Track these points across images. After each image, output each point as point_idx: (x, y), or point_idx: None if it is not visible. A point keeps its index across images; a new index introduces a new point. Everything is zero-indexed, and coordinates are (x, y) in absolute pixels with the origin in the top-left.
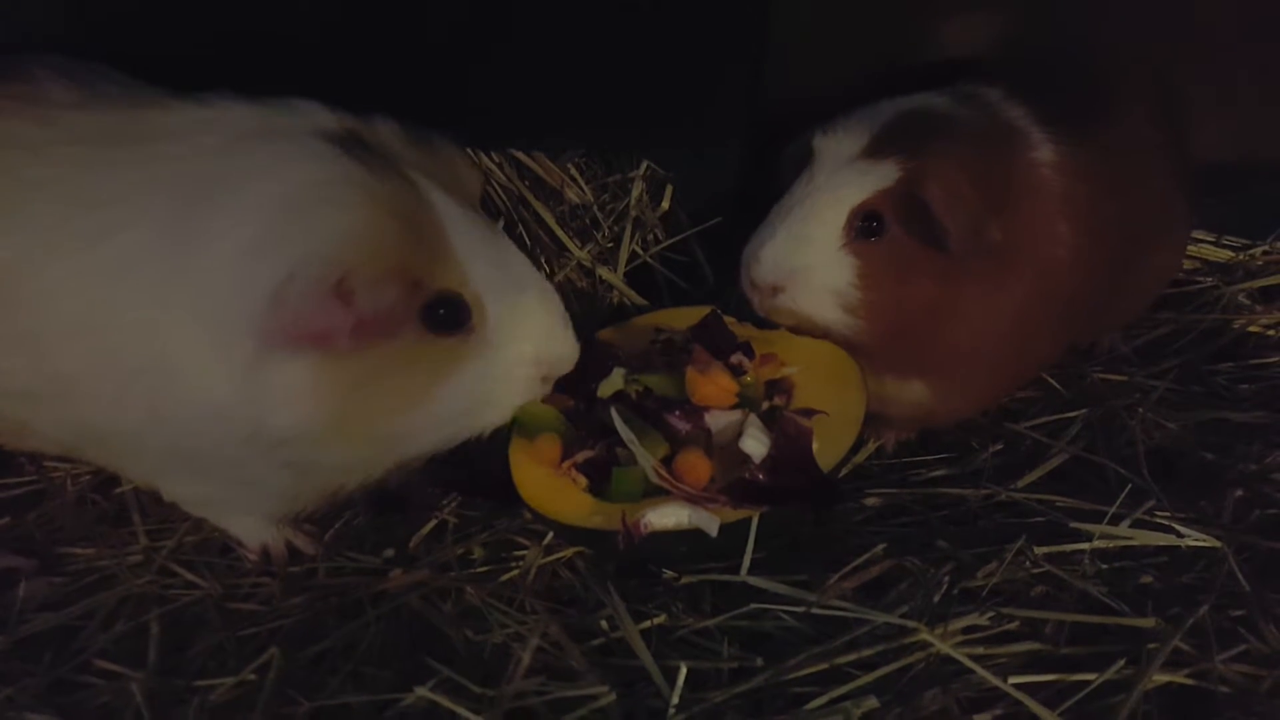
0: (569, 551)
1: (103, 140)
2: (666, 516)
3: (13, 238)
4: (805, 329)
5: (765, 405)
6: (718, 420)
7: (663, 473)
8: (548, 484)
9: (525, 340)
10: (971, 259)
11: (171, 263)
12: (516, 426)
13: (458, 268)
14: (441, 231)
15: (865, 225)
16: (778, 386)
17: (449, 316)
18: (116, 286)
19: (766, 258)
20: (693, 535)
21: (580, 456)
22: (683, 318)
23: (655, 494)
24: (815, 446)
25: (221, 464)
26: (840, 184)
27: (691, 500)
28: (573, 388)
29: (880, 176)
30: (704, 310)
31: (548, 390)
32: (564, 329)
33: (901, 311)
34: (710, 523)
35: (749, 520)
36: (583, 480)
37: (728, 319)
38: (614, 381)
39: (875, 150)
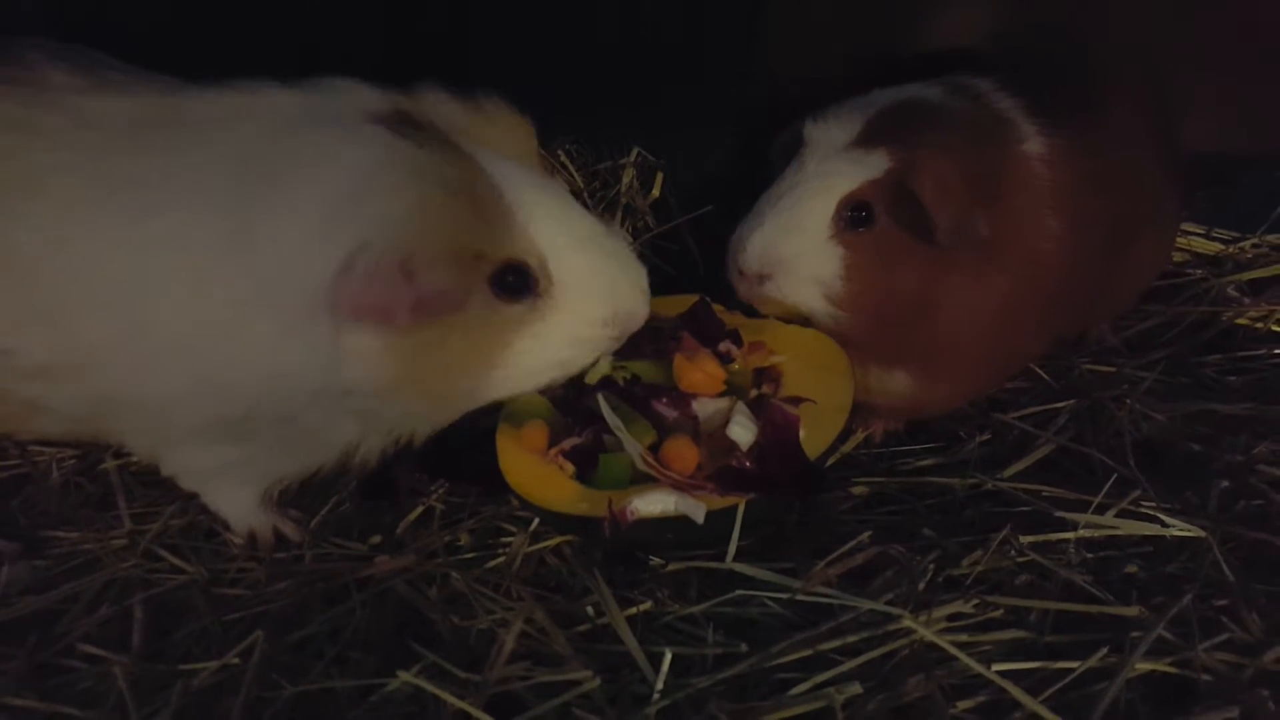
0: (556, 539)
1: (131, 125)
2: (653, 504)
3: (29, 219)
4: (791, 316)
5: (753, 393)
6: (705, 407)
7: (649, 460)
8: (535, 471)
9: (592, 301)
10: (959, 251)
11: (228, 240)
12: (503, 413)
13: (521, 234)
14: (501, 199)
15: (854, 215)
16: (766, 375)
17: (517, 283)
18: (162, 261)
19: (754, 245)
20: (679, 522)
21: (567, 443)
22: (672, 305)
23: (642, 481)
24: (802, 434)
25: (275, 421)
26: (830, 173)
27: (678, 487)
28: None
29: (870, 166)
30: (693, 298)
31: (616, 347)
32: (631, 285)
33: (888, 302)
34: (697, 510)
35: (735, 508)
36: (570, 467)
37: (716, 307)
38: (601, 368)
39: (866, 140)
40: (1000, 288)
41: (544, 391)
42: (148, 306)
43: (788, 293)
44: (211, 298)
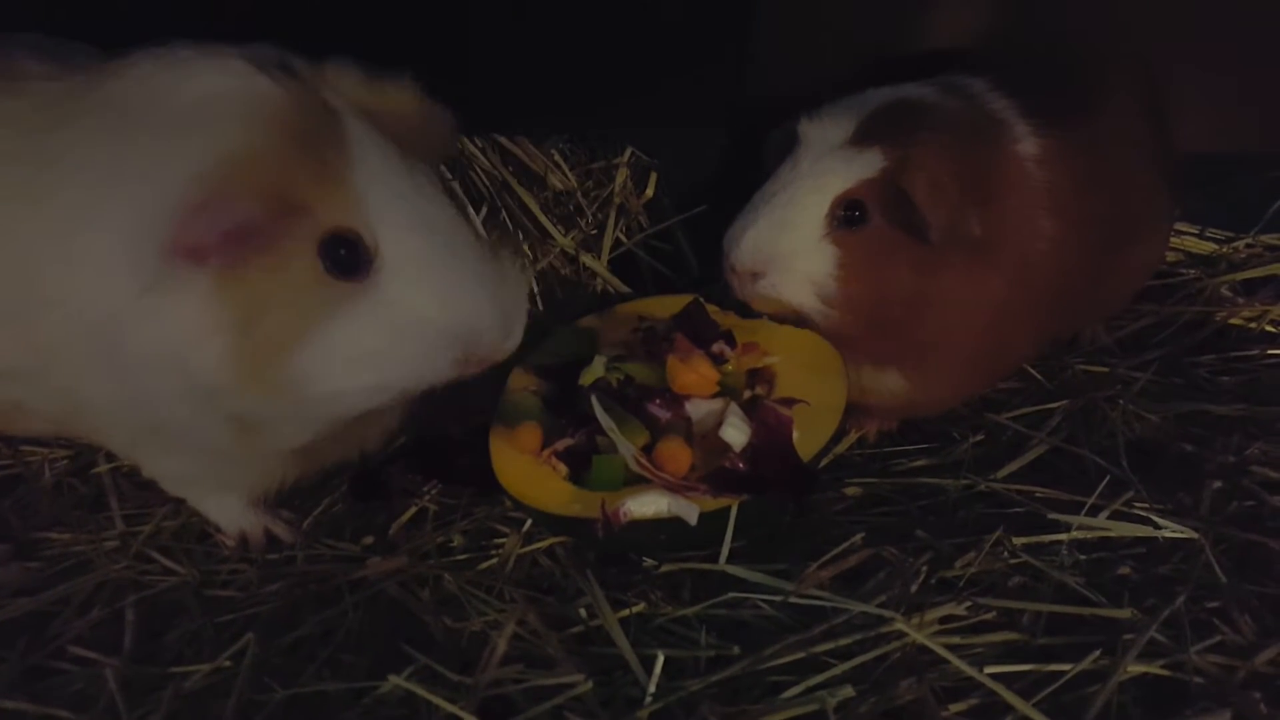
0: (549, 540)
1: (61, 101)
2: (646, 505)
3: None
4: (784, 316)
5: (747, 394)
6: (698, 409)
7: (643, 461)
8: (528, 472)
9: (421, 295)
10: (952, 250)
11: (103, 208)
12: (497, 414)
13: (354, 202)
14: (346, 162)
15: (847, 214)
16: (759, 376)
17: (349, 259)
18: (69, 241)
19: (747, 243)
20: (673, 524)
21: (561, 444)
22: (665, 306)
23: (635, 482)
24: (796, 436)
25: (180, 429)
26: (824, 171)
27: (672, 489)
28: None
29: (865, 166)
30: (687, 299)
31: (470, 372)
32: (487, 303)
33: (881, 301)
34: (690, 511)
35: (729, 509)
36: (563, 468)
37: (710, 307)
38: (595, 369)
39: (860, 139)
40: (993, 288)
41: (535, 391)
42: (71, 297)
43: (780, 290)
44: (103, 281)
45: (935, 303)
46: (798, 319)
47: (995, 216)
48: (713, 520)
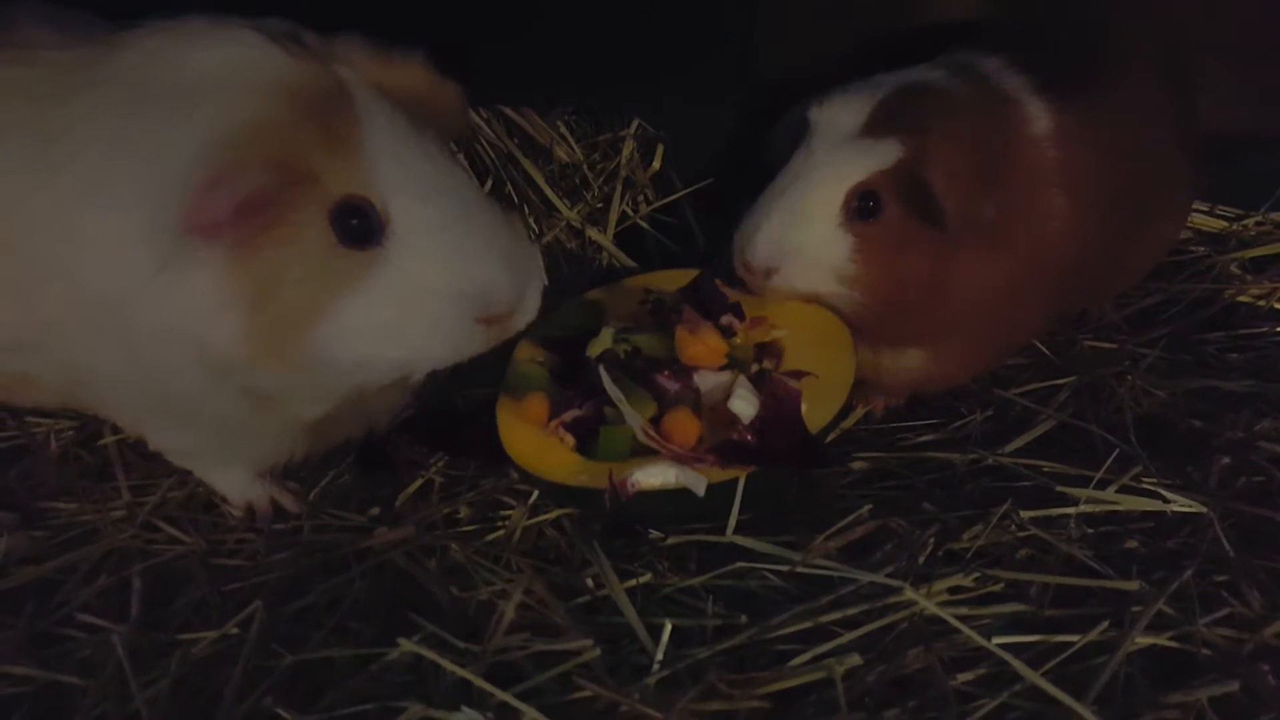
0: (556, 513)
1: (71, 72)
2: (654, 476)
3: None
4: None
5: (755, 368)
6: (706, 380)
7: (650, 432)
8: (535, 443)
9: (432, 261)
10: (967, 235)
11: (115, 183)
12: (504, 385)
13: (364, 170)
14: (355, 132)
15: (862, 205)
16: (768, 350)
17: (362, 228)
18: (79, 215)
19: (762, 238)
20: (680, 495)
21: (568, 415)
22: (673, 280)
23: (642, 454)
24: (804, 408)
25: (192, 402)
26: (838, 163)
27: (679, 459)
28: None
29: (880, 156)
30: (695, 273)
31: (494, 341)
32: (500, 266)
33: (898, 288)
34: (698, 482)
35: (736, 480)
36: (570, 439)
37: (718, 281)
38: (603, 340)
39: (874, 128)
40: (1009, 268)
41: (542, 363)
42: (78, 270)
43: (796, 284)
44: (117, 256)
45: (952, 286)
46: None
47: (1009, 198)
48: (720, 491)
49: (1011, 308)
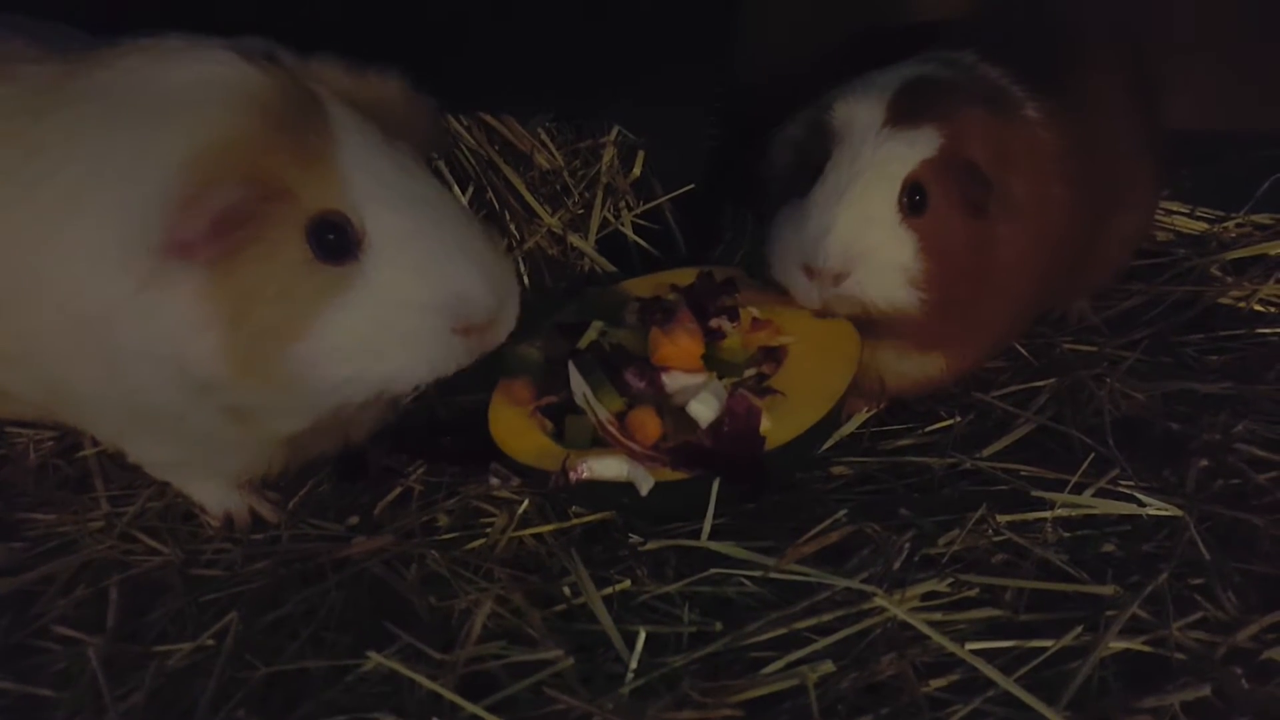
0: (537, 529)
1: (50, 87)
2: (608, 467)
3: None
4: (864, 316)
5: (752, 372)
6: (677, 381)
7: (604, 425)
8: (515, 424)
9: (409, 274)
10: (996, 221)
11: (92, 200)
12: (503, 366)
13: (339, 185)
14: (329, 146)
15: (912, 200)
16: (771, 354)
17: (339, 243)
18: (57, 232)
19: (833, 243)
20: (633, 488)
21: (544, 400)
22: (680, 278)
23: (605, 445)
24: (779, 418)
25: (172, 418)
26: (888, 157)
27: (632, 455)
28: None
29: (923, 146)
30: (731, 271)
31: (475, 354)
32: (479, 276)
33: (953, 282)
34: (644, 479)
35: (692, 481)
36: (548, 424)
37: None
38: (590, 334)
39: (901, 121)
40: (1028, 254)
41: (540, 347)
42: (58, 285)
43: (868, 286)
44: (94, 271)
45: (989, 275)
46: (878, 317)
47: (1026, 182)
48: (668, 492)
49: (1026, 297)
